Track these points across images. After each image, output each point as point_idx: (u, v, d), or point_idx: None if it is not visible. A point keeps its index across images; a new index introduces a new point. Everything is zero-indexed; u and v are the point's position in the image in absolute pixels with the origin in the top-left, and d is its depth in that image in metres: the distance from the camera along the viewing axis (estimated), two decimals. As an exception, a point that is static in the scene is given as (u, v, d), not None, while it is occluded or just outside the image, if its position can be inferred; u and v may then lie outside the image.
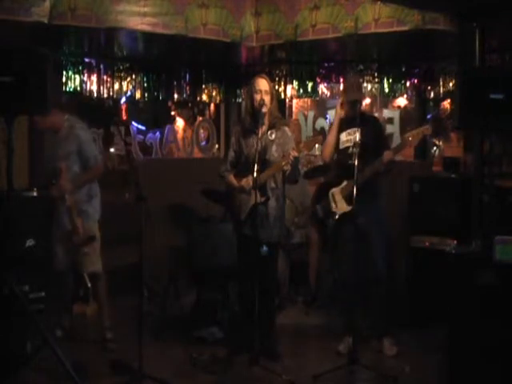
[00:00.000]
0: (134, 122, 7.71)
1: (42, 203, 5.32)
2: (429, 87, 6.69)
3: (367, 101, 7.22)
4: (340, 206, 4.84)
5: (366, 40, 5.89)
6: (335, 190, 4.88)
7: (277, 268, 5.00)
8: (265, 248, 4.50)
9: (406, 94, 6.94)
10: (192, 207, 6.31)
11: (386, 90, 6.89)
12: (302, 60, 7.15)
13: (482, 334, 3.85)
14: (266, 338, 4.63)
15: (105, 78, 6.91)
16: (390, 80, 6.83)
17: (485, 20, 5.10)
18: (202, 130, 8.21)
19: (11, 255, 4.25)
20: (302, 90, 7.25)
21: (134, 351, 4.11)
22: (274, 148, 4.65)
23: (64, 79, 6.60)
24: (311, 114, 7.87)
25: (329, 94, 7.20)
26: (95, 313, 5.28)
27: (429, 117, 7.08)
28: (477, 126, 4.43)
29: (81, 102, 7.03)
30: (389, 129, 7.18)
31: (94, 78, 6.83)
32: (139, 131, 7.79)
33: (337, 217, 4.83)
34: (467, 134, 6.11)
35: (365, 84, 6.80)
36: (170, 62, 7.28)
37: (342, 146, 4.86)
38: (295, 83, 7.24)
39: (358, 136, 4.57)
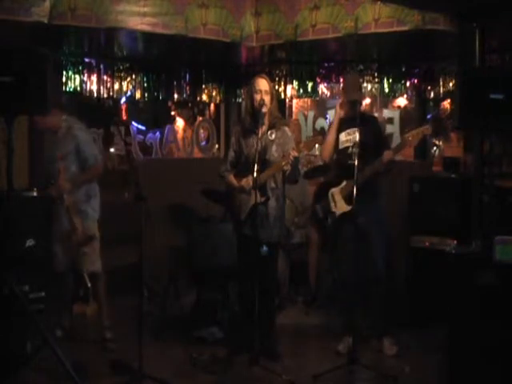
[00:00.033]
0: (133, 122, 7.71)
1: (42, 203, 5.32)
2: (429, 87, 6.69)
3: (367, 101, 7.22)
4: (340, 206, 4.84)
5: (366, 40, 5.89)
6: (335, 190, 4.88)
7: (277, 268, 4.99)
8: (265, 248, 4.50)
9: (406, 94, 6.94)
10: (192, 207, 6.31)
11: (386, 90, 6.89)
12: (302, 60, 7.15)
13: (482, 334, 3.85)
14: (266, 338, 4.62)
15: (105, 78, 6.91)
16: (390, 80, 6.83)
17: (485, 20, 5.10)
18: (201, 130, 8.20)
19: (11, 255, 4.25)
20: (302, 90, 7.25)
21: (134, 351, 4.10)
22: (274, 148, 4.65)
23: (64, 79, 6.60)
24: (311, 114, 7.86)
25: (329, 93, 7.20)
26: (95, 313, 5.27)
27: (429, 117, 7.07)
28: (477, 126, 4.42)
29: (81, 102, 7.04)
30: (389, 129, 7.18)
31: (94, 78, 6.83)
32: (139, 131, 7.78)
33: (336, 216, 4.84)
34: (467, 134, 6.11)
35: (365, 84, 6.81)
36: (169, 62, 7.28)
37: (341, 146, 4.86)
38: (295, 83, 7.23)
39: (357, 136, 4.57)
